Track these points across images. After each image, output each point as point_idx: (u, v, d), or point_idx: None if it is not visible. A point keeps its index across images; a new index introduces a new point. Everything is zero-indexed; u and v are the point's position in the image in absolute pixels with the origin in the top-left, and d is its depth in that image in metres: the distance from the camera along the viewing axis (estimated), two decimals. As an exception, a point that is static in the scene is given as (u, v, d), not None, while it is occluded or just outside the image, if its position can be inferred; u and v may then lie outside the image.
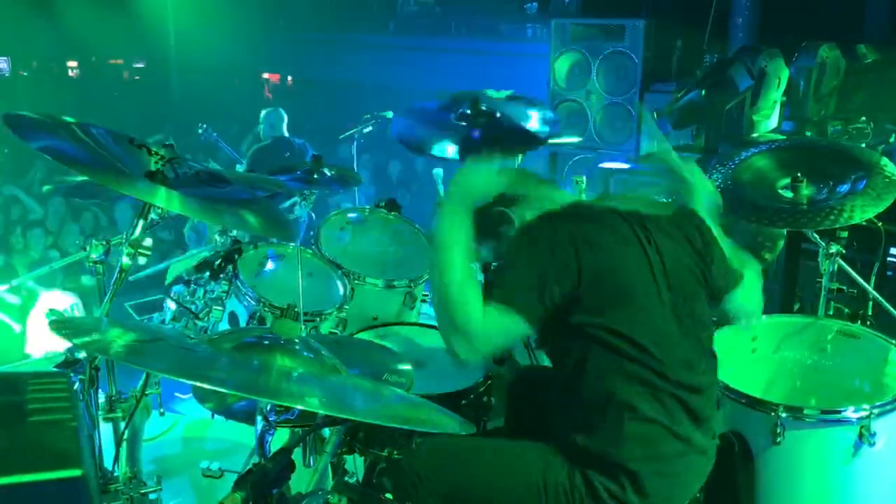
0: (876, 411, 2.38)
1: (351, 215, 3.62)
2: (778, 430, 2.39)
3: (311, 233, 3.46)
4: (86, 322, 1.98)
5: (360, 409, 1.63)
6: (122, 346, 1.63)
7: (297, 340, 1.72)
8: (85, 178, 2.64)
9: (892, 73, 5.23)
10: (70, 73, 15.95)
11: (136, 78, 16.36)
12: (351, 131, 5.94)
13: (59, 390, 1.40)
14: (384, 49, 12.20)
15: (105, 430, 2.52)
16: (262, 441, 1.78)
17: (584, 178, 3.37)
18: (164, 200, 1.97)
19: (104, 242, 2.52)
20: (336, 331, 3.01)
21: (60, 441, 1.23)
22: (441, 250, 2.05)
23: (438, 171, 3.78)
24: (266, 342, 1.72)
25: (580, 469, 2.05)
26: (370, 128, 5.86)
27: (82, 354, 2.13)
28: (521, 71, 8.65)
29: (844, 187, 2.96)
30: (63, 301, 5.86)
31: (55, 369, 2.02)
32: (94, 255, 2.54)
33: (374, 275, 3.28)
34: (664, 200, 2.33)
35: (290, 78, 15.56)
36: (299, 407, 1.50)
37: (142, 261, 2.12)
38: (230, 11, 13.62)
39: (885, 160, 3.03)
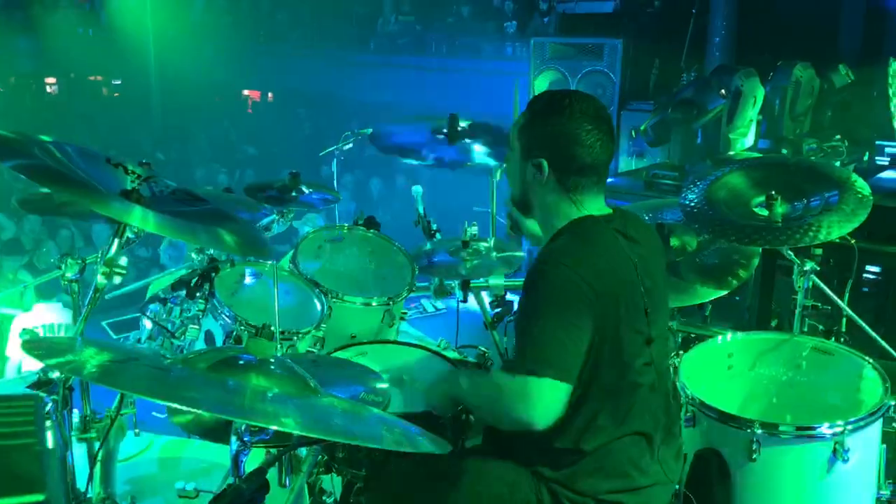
0: (850, 427, 2.40)
1: (329, 233, 3.61)
2: (754, 447, 2.40)
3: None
4: (59, 342, 1.96)
5: (336, 429, 1.62)
6: (95, 366, 1.62)
7: (272, 360, 1.72)
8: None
9: (866, 93, 5.32)
10: (49, 90, 15.88)
11: (116, 95, 16.30)
12: (331, 148, 5.92)
13: (24, 414, 1.39)
14: (365, 66, 12.25)
15: (79, 451, 2.49)
16: (236, 461, 1.76)
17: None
18: (140, 219, 1.96)
19: (79, 261, 2.50)
20: (314, 349, 3.00)
21: (24, 465, 1.22)
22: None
23: (418, 189, 3.79)
24: (241, 362, 1.71)
25: (546, 484, 2.10)
26: (350, 145, 5.85)
27: (56, 374, 2.10)
28: (500, 89, 8.70)
29: (816, 202, 3.00)
30: (55, 316, 5.80)
31: (25, 391, 2.00)
32: (69, 274, 2.52)
33: (352, 293, 3.28)
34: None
35: (270, 94, 15.57)
36: (273, 427, 1.49)
37: (117, 280, 2.11)
38: (211, 28, 13.62)
39: (856, 177, 3.07)
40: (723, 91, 4.89)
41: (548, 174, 2.12)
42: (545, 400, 1.95)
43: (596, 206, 2.17)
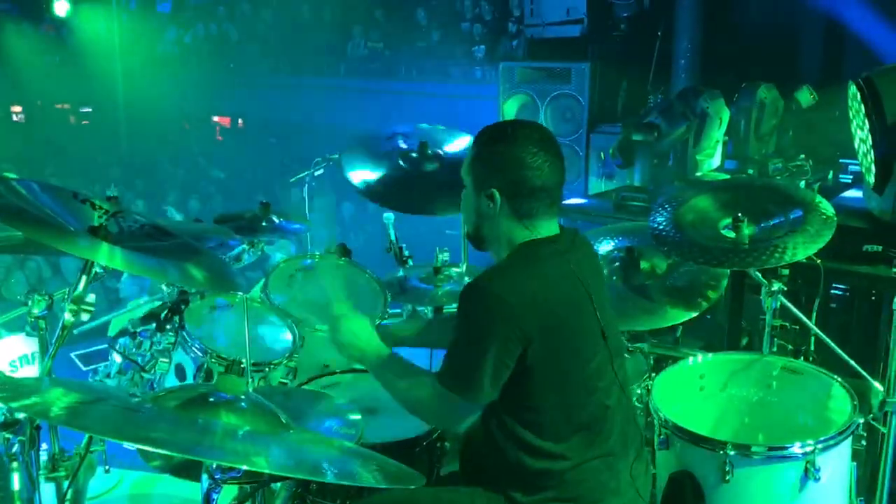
0: (820, 446, 2.42)
1: (301, 262, 3.59)
2: (727, 468, 2.41)
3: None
4: (26, 383, 1.94)
5: (309, 466, 1.61)
6: (62, 408, 1.60)
7: (242, 397, 1.70)
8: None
9: (828, 113, 5.42)
10: (15, 118, 15.71)
11: (84, 122, 16.16)
12: (302, 174, 5.91)
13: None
14: (335, 92, 12.27)
15: (48, 491, 2.45)
16: (207, 499, 1.75)
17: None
18: (107, 257, 1.94)
19: (46, 297, 2.47)
20: (286, 380, 2.98)
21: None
22: (376, 375, 2.30)
23: (389, 216, 3.79)
24: (211, 399, 1.70)
25: None
26: (321, 171, 5.85)
27: (22, 414, 2.07)
28: (470, 113, 8.77)
29: (780, 221, 3.05)
30: (22, 347, 5.68)
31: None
32: (36, 311, 2.49)
33: (324, 322, 3.25)
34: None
35: (240, 121, 15.53)
36: (244, 467, 1.48)
37: (84, 317, 2.09)
38: (179, 55, 13.59)
39: (820, 199, 3.13)
40: (684, 113, 4.96)
41: (500, 203, 2.14)
42: (450, 410, 2.11)
43: (548, 229, 2.19)
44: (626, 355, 2.33)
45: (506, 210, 2.14)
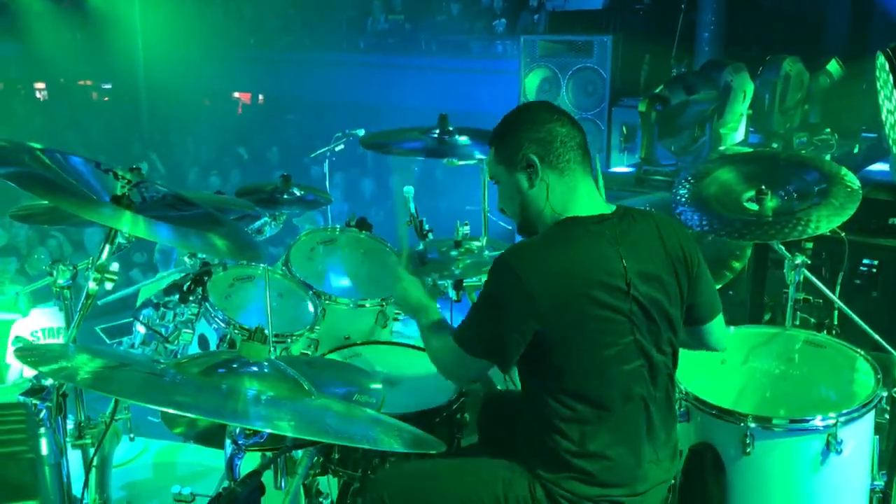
0: (842, 419, 2.41)
1: (322, 235, 3.61)
2: (747, 441, 2.41)
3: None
4: (53, 349, 1.96)
5: (330, 431, 1.62)
6: (88, 372, 1.62)
7: (265, 363, 1.72)
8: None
9: (855, 85, 5.34)
10: (38, 95, 15.83)
11: (105, 99, 16.25)
12: (322, 150, 5.93)
13: (15, 422, 1.39)
14: (355, 67, 12.25)
15: (74, 457, 2.49)
16: (231, 465, 1.77)
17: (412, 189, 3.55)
18: (130, 225, 1.96)
19: (70, 267, 2.50)
20: (308, 351, 3.00)
21: (16, 473, 1.22)
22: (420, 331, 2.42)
23: (409, 189, 3.78)
24: (235, 365, 1.71)
25: (541, 482, 2.10)
26: (342, 146, 5.86)
27: (49, 381, 2.10)
28: (491, 87, 8.73)
29: (803, 193, 3.02)
30: (52, 320, 5.78)
31: (18, 398, 1.99)
32: (60, 281, 2.52)
33: (345, 294, 3.28)
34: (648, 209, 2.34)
35: (261, 97, 15.54)
36: (268, 430, 1.50)
37: (108, 286, 2.11)
38: (200, 31, 13.59)
39: (846, 171, 3.09)
40: (690, 85, 4.91)
41: (539, 167, 2.15)
42: (458, 365, 2.23)
43: (588, 193, 2.18)
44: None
45: (547, 174, 2.15)
